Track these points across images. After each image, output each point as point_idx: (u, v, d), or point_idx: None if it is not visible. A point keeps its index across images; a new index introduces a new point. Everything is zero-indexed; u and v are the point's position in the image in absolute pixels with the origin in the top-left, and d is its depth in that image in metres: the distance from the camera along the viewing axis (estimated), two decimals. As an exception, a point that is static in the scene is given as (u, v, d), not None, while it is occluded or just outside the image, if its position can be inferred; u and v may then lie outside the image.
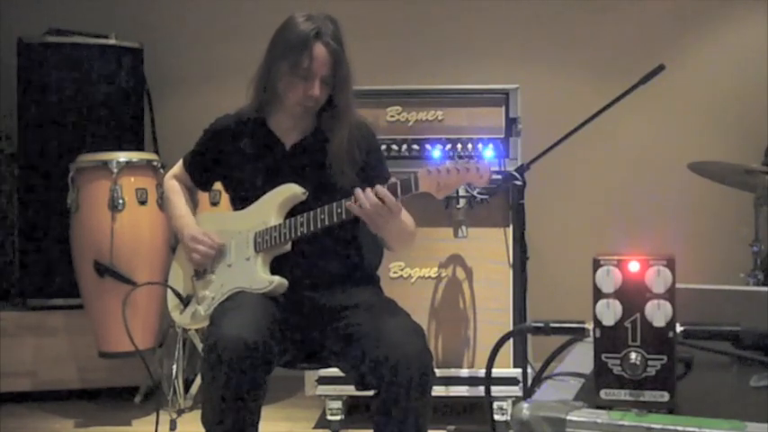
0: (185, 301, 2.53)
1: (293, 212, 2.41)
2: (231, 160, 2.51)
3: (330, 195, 2.36)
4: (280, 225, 2.37)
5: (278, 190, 2.42)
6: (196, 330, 3.72)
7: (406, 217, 2.38)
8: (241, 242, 2.44)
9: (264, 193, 2.45)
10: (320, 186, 2.42)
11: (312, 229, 2.32)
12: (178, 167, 2.68)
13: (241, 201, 2.53)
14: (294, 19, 2.38)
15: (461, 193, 3.14)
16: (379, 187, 2.24)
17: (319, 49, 2.33)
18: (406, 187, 2.25)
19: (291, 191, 2.41)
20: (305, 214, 2.34)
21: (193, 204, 2.69)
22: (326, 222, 2.31)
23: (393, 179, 2.31)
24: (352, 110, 2.44)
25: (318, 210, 2.32)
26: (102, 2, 4.52)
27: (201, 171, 2.62)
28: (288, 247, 2.40)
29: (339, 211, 2.29)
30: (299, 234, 2.35)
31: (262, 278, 2.37)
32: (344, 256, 2.47)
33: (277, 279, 2.36)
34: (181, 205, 2.61)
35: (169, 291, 2.57)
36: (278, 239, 2.37)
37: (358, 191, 2.24)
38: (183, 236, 2.53)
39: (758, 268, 3.55)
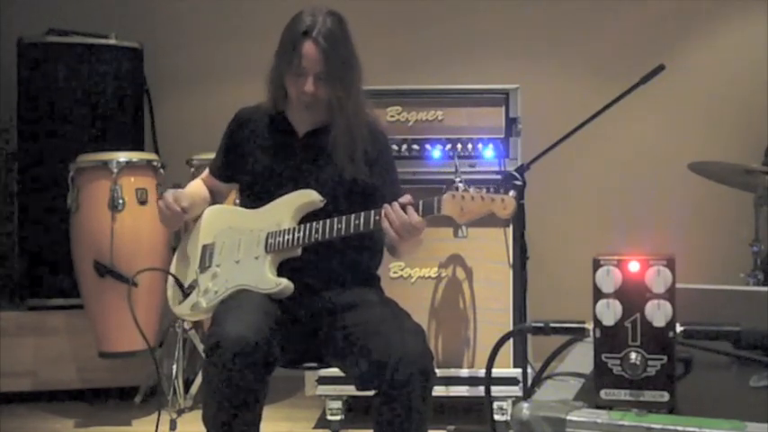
0: (186, 291, 2.51)
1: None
2: (250, 148, 2.53)
3: (336, 186, 2.40)
4: (294, 229, 2.37)
5: (296, 194, 2.42)
6: (196, 330, 3.72)
7: None
8: (251, 240, 2.44)
9: (276, 180, 2.46)
10: (326, 175, 2.44)
11: (327, 237, 2.32)
12: (205, 172, 2.73)
13: (254, 190, 2.53)
14: (297, 16, 2.41)
15: (461, 187, 3.13)
16: (405, 203, 2.25)
17: (308, 47, 2.34)
18: (428, 208, 2.25)
19: (310, 197, 2.41)
20: (321, 222, 2.33)
21: (206, 199, 2.70)
22: (342, 232, 2.30)
23: (408, 196, 2.29)
24: (354, 104, 2.42)
25: (336, 219, 2.31)
26: (102, 2, 4.52)
27: (223, 161, 2.62)
28: (298, 252, 2.39)
29: (357, 222, 2.29)
30: (312, 240, 2.34)
31: (269, 279, 2.36)
32: (345, 256, 2.47)
33: (284, 281, 2.35)
34: (188, 188, 2.66)
35: (170, 280, 2.56)
36: (291, 242, 2.36)
37: (387, 207, 2.25)
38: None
39: (758, 268, 3.55)
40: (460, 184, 2.25)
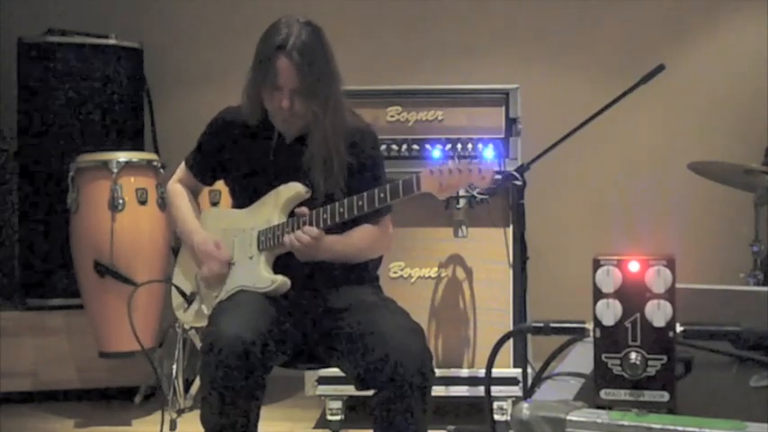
0: (189, 299, 2.53)
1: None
2: (234, 150, 2.51)
3: (315, 196, 2.39)
4: (283, 224, 2.37)
5: (281, 188, 2.42)
6: (196, 330, 3.72)
7: (347, 244, 2.41)
8: (244, 240, 2.44)
9: (265, 185, 2.45)
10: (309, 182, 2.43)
11: (315, 226, 2.32)
12: (180, 170, 2.67)
13: (242, 193, 2.53)
14: (273, 26, 2.36)
15: (461, 192, 3.14)
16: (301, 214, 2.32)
17: (282, 62, 2.30)
18: (407, 187, 2.26)
19: (295, 189, 2.41)
20: (307, 214, 2.34)
21: (196, 208, 2.68)
22: (329, 222, 2.31)
23: (303, 209, 2.34)
24: (331, 118, 2.38)
25: (321, 209, 2.32)
26: (102, 2, 4.52)
27: (205, 163, 2.60)
28: None
29: (341, 210, 2.30)
30: None
31: (265, 277, 2.37)
32: (340, 261, 2.46)
33: (280, 278, 2.36)
34: (186, 210, 2.60)
35: (173, 288, 2.57)
36: (281, 238, 2.36)
37: (296, 234, 2.31)
38: (192, 242, 2.51)
39: (758, 268, 3.55)
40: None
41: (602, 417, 1.12)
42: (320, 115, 2.36)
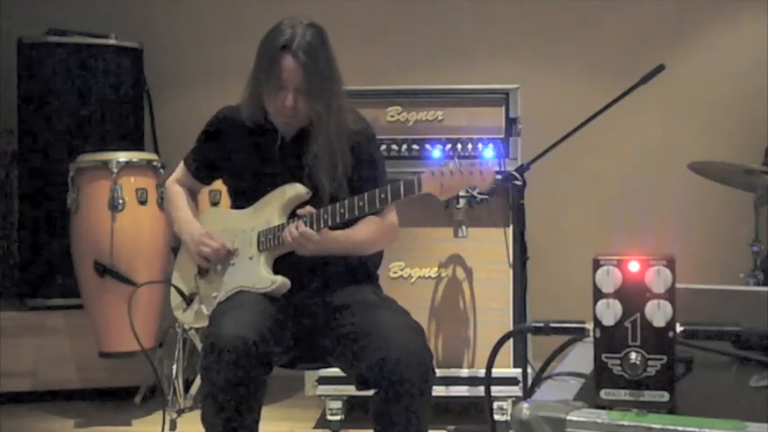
0: (188, 300, 2.53)
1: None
2: (233, 149, 2.51)
3: (318, 197, 2.39)
4: (283, 224, 2.37)
5: (282, 189, 2.42)
6: (196, 330, 3.72)
7: (351, 239, 2.39)
8: (245, 241, 2.45)
9: (265, 185, 2.45)
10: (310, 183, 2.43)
11: (315, 228, 2.32)
12: (179, 170, 2.67)
13: (240, 191, 2.53)
14: (276, 27, 2.36)
15: (461, 192, 3.14)
16: (299, 224, 2.31)
17: (288, 62, 2.30)
18: (408, 188, 2.26)
19: (295, 190, 2.41)
20: (308, 215, 2.33)
21: (195, 208, 2.68)
22: (330, 222, 2.31)
23: (308, 208, 2.33)
24: (335, 120, 2.38)
25: (321, 210, 2.32)
26: (102, 2, 4.52)
27: (203, 162, 2.60)
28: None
29: (342, 211, 2.30)
30: None
31: (265, 277, 2.37)
32: (344, 254, 2.47)
33: (280, 279, 2.36)
34: (185, 209, 2.61)
35: (172, 289, 2.57)
36: (281, 238, 2.36)
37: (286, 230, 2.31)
38: (193, 236, 2.51)
39: (758, 268, 3.55)
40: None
41: (602, 417, 1.12)
42: (323, 116, 2.36)
